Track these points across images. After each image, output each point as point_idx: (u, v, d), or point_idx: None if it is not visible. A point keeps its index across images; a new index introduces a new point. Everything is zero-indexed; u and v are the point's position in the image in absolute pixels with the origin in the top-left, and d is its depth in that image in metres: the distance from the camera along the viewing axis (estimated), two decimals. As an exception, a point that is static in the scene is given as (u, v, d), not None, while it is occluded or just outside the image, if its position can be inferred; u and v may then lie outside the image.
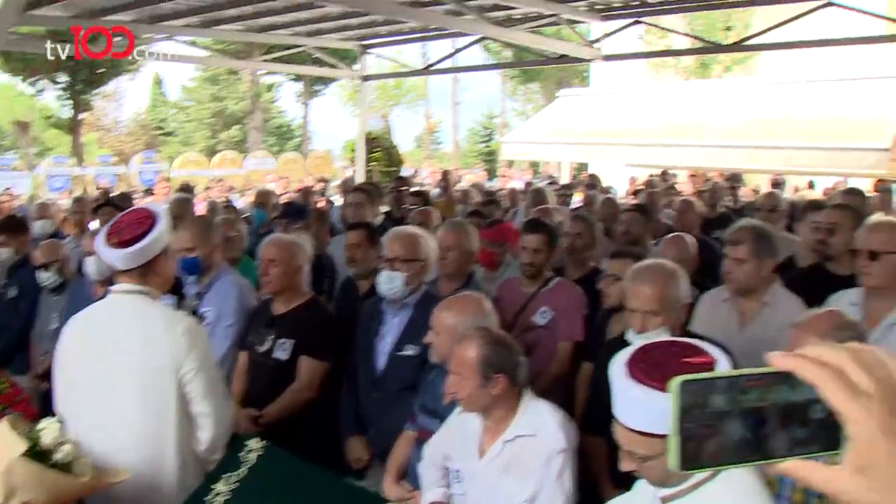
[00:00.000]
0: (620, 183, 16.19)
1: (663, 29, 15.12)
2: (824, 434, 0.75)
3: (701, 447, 0.76)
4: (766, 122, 15.17)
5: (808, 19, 11.15)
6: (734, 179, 12.36)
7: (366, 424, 4.09)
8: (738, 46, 14.54)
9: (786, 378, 0.76)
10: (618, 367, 1.99)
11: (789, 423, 0.76)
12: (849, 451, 0.74)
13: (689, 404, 0.75)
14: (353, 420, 4.13)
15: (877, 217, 4.00)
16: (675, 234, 4.95)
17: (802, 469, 0.77)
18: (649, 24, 14.48)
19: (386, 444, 3.72)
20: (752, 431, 0.75)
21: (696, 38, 16.23)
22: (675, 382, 0.76)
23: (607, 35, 14.06)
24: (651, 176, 14.57)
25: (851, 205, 5.34)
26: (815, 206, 5.45)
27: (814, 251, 4.87)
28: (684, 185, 14.13)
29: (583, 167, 22.78)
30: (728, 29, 21.51)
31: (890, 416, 0.74)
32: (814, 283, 4.22)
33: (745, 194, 12.58)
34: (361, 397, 4.14)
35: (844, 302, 3.61)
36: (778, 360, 0.76)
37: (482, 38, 15.47)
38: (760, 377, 0.76)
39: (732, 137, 15.04)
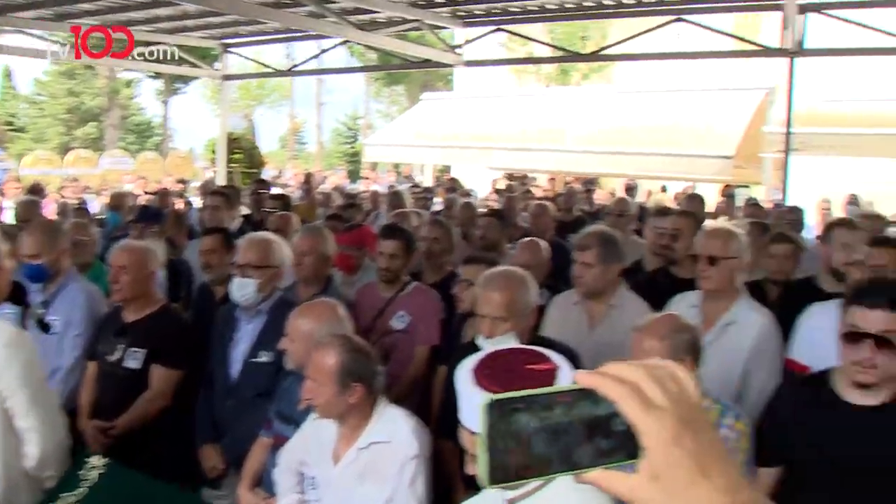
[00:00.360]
0: (483, 186, 16.43)
1: (523, 37, 15.46)
2: (627, 444, 0.80)
3: (508, 462, 0.79)
4: (621, 128, 15.73)
5: (660, 32, 11.66)
6: (590, 183, 12.75)
7: (221, 432, 4.02)
8: (596, 56, 15.03)
9: (589, 394, 0.81)
10: (464, 373, 2.04)
11: (594, 436, 0.80)
12: (644, 460, 0.80)
13: (497, 422, 0.79)
14: (208, 428, 4.05)
15: (714, 223, 4.21)
16: (529, 238, 5.07)
17: (607, 478, 0.81)
18: (510, 33, 14.76)
19: (241, 451, 3.68)
20: (559, 444, 0.79)
21: (555, 47, 16.66)
22: (484, 402, 0.79)
23: (469, 41, 14.28)
24: (509, 180, 14.87)
25: (692, 211, 5.61)
26: (659, 212, 5.70)
27: (658, 255, 5.10)
28: (536, 189, 14.47)
29: (447, 170, 22.99)
30: (584, 38, 22.17)
31: (681, 428, 0.80)
32: (659, 286, 4.42)
33: (601, 198, 12.99)
34: (216, 405, 4.07)
35: (685, 304, 3.80)
36: (581, 378, 0.82)
37: (346, 41, 15.44)
38: (566, 393, 0.81)
39: (591, 143, 15.55)
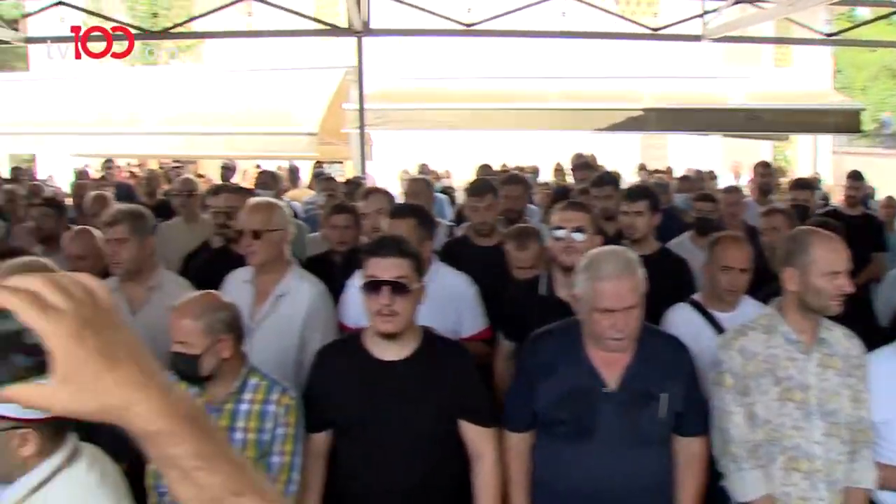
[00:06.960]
0: (68, 174, 15.35)
1: (90, 13, 14.41)
2: (43, 358, 0.80)
3: None
4: (208, 108, 15.55)
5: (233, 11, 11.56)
6: (179, 166, 12.41)
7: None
8: (170, 34, 14.57)
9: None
10: None
11: (10, 352, 0.80)
12: (52, 364, 0.80)
13: None
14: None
15: (255, 199, 4.24)
16: (82, 227, 4.78)
17: (25, 393, 0.81)
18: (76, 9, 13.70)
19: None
20: None
21: (131, 26, 15.90)
22: None
23: (28, 15, 13.23)
24: (86, 166, 14.09)
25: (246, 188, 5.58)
26: (211, 191, 5.69)
27: (218, 234, 5.07)
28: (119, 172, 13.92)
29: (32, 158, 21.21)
30: (155, 15, 21.49)
31: (82, 327, 0.81)
32: (219, 265, 4.39)
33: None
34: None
35: (238, 280, 3.85)
36: None
37: None
38: None
39: (173, 124, 15.17)
